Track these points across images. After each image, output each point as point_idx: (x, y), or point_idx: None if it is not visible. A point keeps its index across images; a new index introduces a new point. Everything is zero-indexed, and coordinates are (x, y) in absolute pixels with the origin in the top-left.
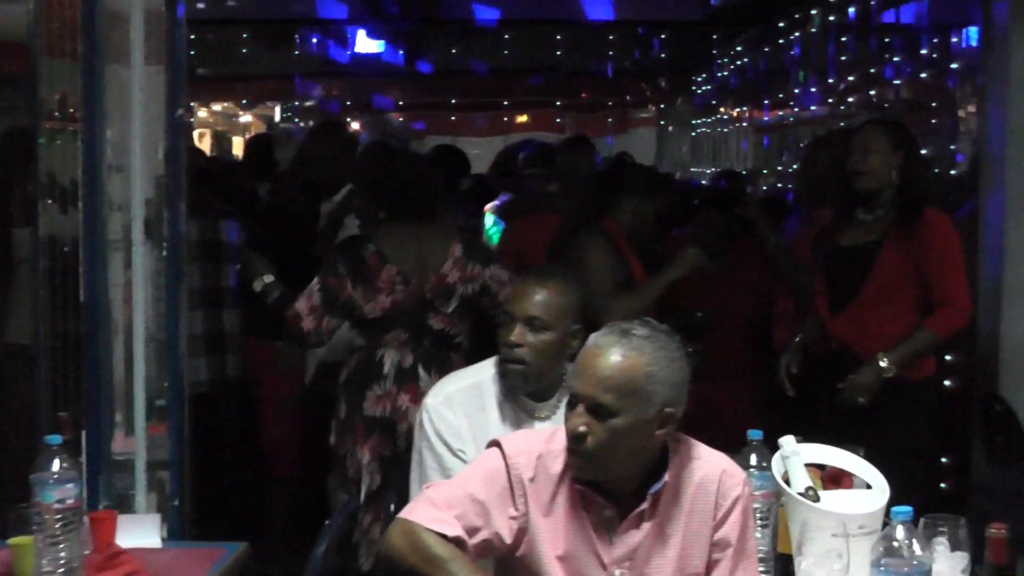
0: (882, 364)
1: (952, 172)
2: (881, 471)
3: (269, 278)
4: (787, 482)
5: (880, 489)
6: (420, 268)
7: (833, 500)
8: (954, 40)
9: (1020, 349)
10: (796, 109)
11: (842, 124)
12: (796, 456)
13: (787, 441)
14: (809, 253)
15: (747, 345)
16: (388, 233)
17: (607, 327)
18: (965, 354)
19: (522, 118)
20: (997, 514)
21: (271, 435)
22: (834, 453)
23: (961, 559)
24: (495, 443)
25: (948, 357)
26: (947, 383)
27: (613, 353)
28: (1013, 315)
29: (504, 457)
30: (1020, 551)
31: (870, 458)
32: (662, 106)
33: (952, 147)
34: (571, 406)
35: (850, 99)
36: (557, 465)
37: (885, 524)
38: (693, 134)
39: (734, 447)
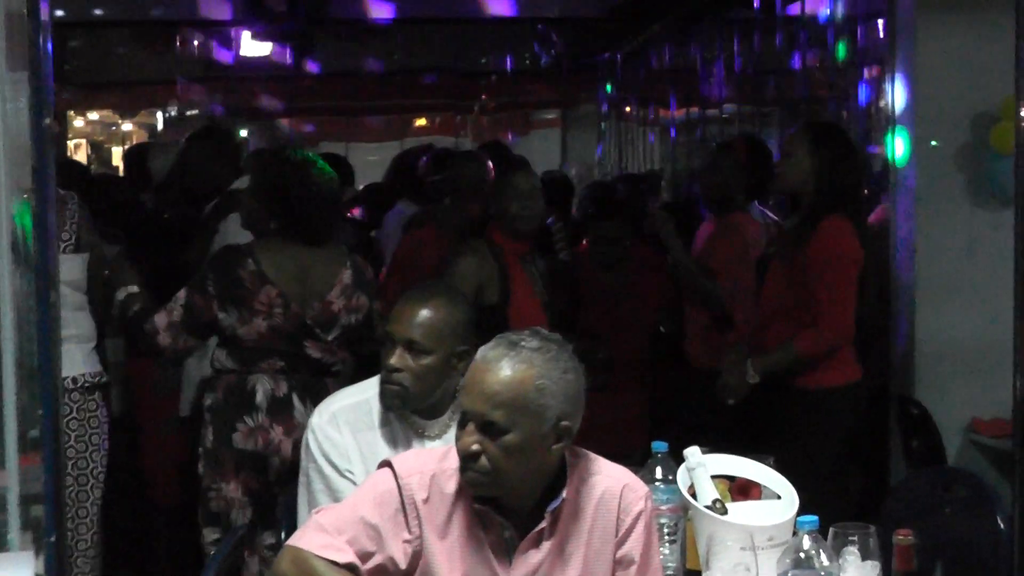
0: (748, 370)
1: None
2: (796, 480)
3: (133, 288)
4: (694, 495)
5: (789, 499)
6: (303, 292)
7: (741, 512)
8: (863, 31)
9: (935, 351)
10: (705, 106)
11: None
12: (702, 468)
13: (692, 452)
14: (717, 260)
15: (649, 356)
16: (271, 250)
17: (496, 339)
18: (879, 357)
19: (420, 121)
20: (910, 520)
21: (154, 461)
22: (742, 463)
23: (872, 568)
24: (386, 463)
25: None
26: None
27: (502, 367)
28: (927, 316)
29: (396, 478)
30: (934, 557)
31: (785, 467)
32: (566, 106)
33: (872, 149)
34: (462, 424)
35: (759, 95)
36: (451, 485)
37: (795, 535)
38: (599, 135)
39: (637, 460)
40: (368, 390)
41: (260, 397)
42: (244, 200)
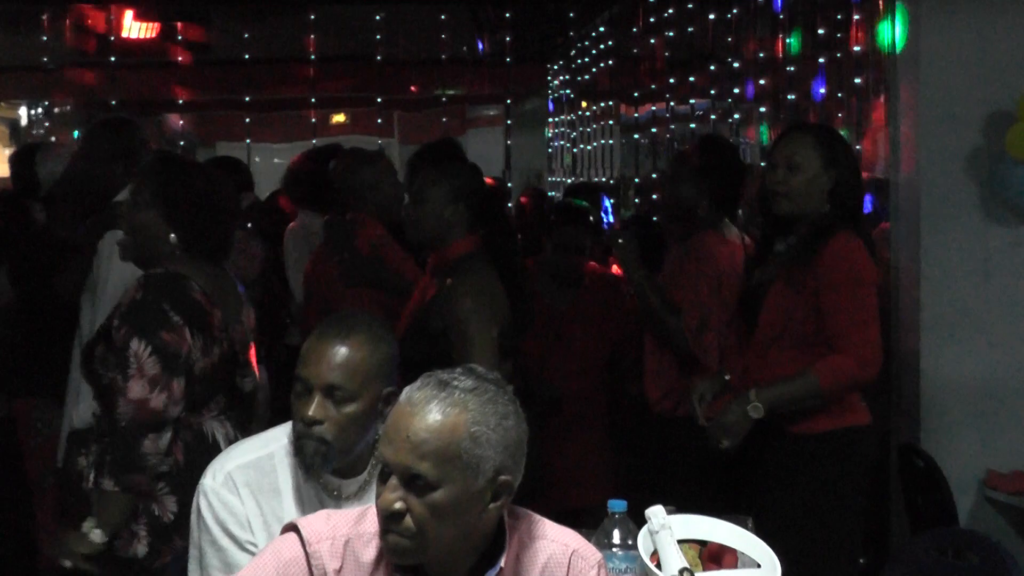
0: (751, 404)
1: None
2: (780, 545)
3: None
4: (657, 564)
5: (770, 568)
6: (227, 315)
7: None
8: (857, 18)
9: (943, 393)
10: (672, 103)
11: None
12: (667, 531)
13: (655, 513)
14: (681, 290)
15: (605, 395)
16: (196, 267)
17: (423, 378)
18: (879, 399)
19: (338, 118)
20: None
21: (47, 518)
22: (714, 526)
23: None
24: (291, 527)
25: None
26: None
27: (430, 411)
28: (933, 351)
29: (303, 544)
30: None
31: (768, 528)
32: (510, 102)
33: (857, 147)
34: (383, 479)
35: (735, 90)
36: (369, 551)
37: None
38: (548, 135)
39: (587, 520)
40: (271, 444)
41: (224, 446)
42: (130, 212)
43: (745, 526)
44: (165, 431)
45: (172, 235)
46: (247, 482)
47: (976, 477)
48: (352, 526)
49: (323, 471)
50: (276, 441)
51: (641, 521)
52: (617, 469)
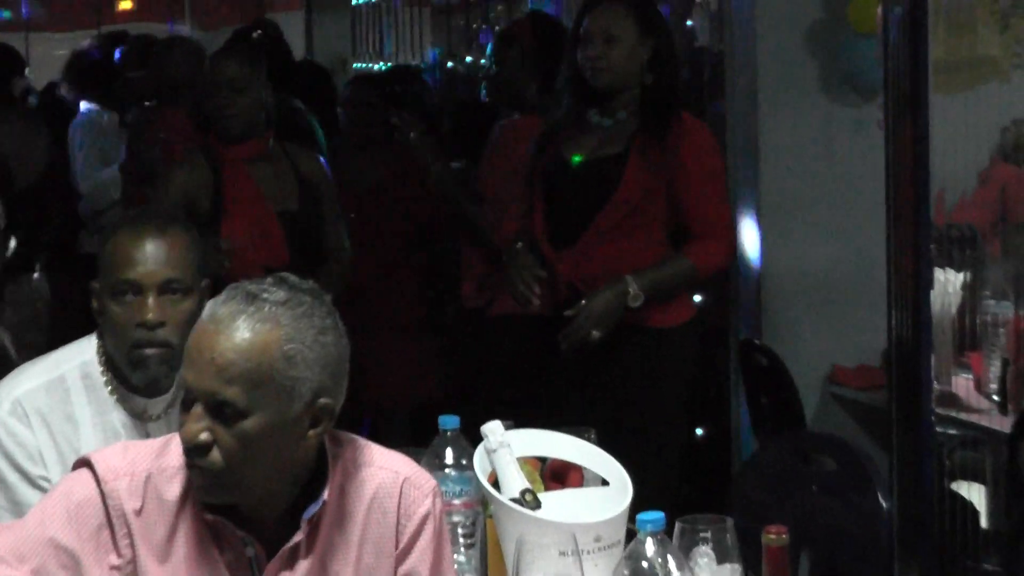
0: (630, 292)
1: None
2: (621, 456)
3: None
4: (496, 485)
5: (620, 485)
6: None
7: (559, 505)
8: None
9: (784, 285)
10: None
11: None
12: (505, 449)
13: (492, 429)
14: (504, 177)
15: (408, 287)
16: None
17: (228, 290)
18: (716, 293)
19: (125, 4)
20: (768, 504)
21: None
22: (555, 440)
23: (732, 572)
24: (83, 462)
25: (697, 298)
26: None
27: (237, 328)
28: (773, 241)
29: (97, 482)
30: (798, 546)
31: (609, 439)
32: None
33: (688, 23)
34: (186, 406)
35: None
36: (174, 488)
37: (630, 533)
38: (354, 18)
39: (410, 438)
40: (61, 365)
41: (14, 355)
42: None
43: (588, 438)
44: None
45: None
46: (37, 409)
47: (821, 373)
48: (153, 460)
49: (167, 385)
50: (67, 362)
51: (477, 438)
52: (438, 373)
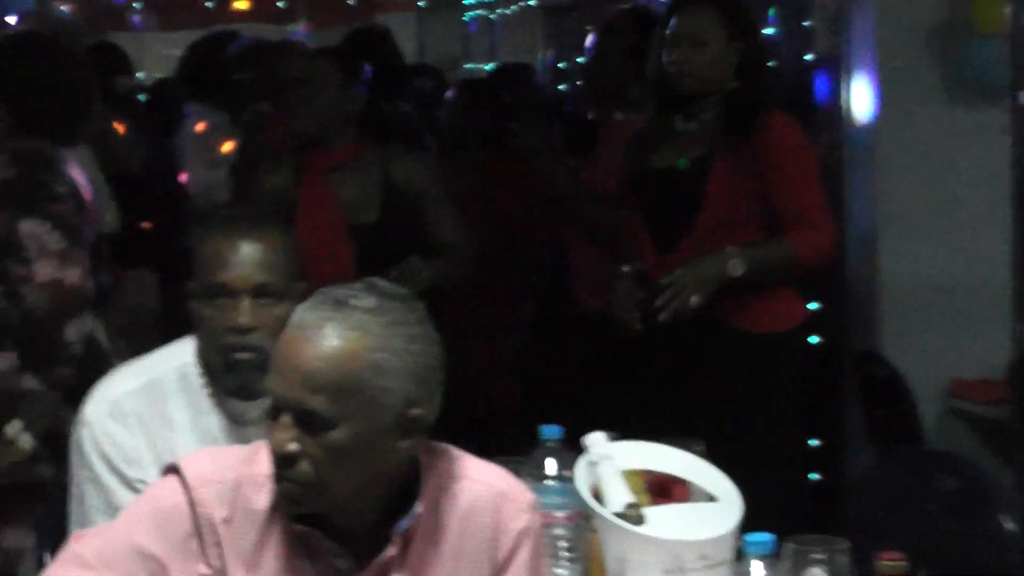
0: (731, 259)
1: (807, 56)
2: (729, 469)
3: None
4: (599, 498)
5: (729, 502)
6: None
7: (663, 520)
8: None
9: (904, 295)
10: None
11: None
12: (609, 461)
13: (596, 440)
14: (607, 178)
15: (509, 294)
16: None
17: (316, 296)
18: (832, 303)
19: (238, 4)
20: (883, 524)
21: None
22: (662, 453)
23: None
24: (172, 468)
25: (813, 306)
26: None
27: (324, 336)
28: (892, 249)
29: (186, 489)
30: (915, 568)
31: (710, 451)
32: None
33: (806, 23)
34: (273, 415)
35: None
36: (263, 497)
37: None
38: (465, 19)
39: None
40: (158, 365)
41: (107, 347)
42: None
43: (697, 452)
44: (85, 313)
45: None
46: (135, 410)
47: (940, 387)
48: (242, 467)
49: (261, 390)
50: (165, 363)
51: (578, 448)
52: (535, 379)
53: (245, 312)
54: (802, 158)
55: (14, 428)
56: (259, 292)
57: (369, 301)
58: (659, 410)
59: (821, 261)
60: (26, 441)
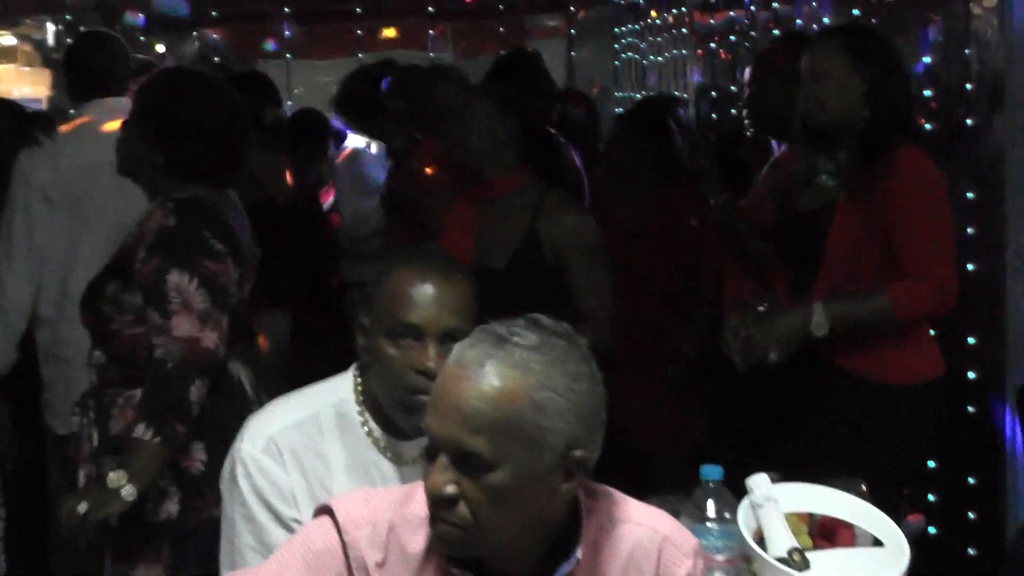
0: (815, 318)
1: (968, 86)
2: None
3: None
4: (761, 542)
5: (895, 547)
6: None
7: (828, 565)
8: None
9: None
10: (752, 8)
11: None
12: (772, 503)
13: (759, 482)
14: (760, 213)
15: (663, 329)
16: (206, 191)
17: (476, 332)
18: (990, 335)
19: (388, 32)
20: None
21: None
22: (825, 495)
23: None
24: (324, 509)
25: (972, 340)
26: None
27: (485, 375)
28: None
29: (338, 531)
30: None
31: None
32: (572, 9)
33: (967, 52)
34: (430, 456)
35: None
36: (418, 540)
37: None
38: (616, 46)
39: (664, 483)
40: (315, 401)
41: (250, 392)
42: (121, 130)
43: (859, 492)
44: (210, 376)
45: (159, 156)
46: (292, 447)
47: None
48: (397, 509)
49: (399, 433)
50: (321, 399)
51: (740, 489)
52: (695, 417)
53: (433, 356)
54: (921, 200)
55: (118, 477)
56: (447, 336)
57: (531, 338)
58: (769, 451)
59: (920, 314)
60: (129, 492)
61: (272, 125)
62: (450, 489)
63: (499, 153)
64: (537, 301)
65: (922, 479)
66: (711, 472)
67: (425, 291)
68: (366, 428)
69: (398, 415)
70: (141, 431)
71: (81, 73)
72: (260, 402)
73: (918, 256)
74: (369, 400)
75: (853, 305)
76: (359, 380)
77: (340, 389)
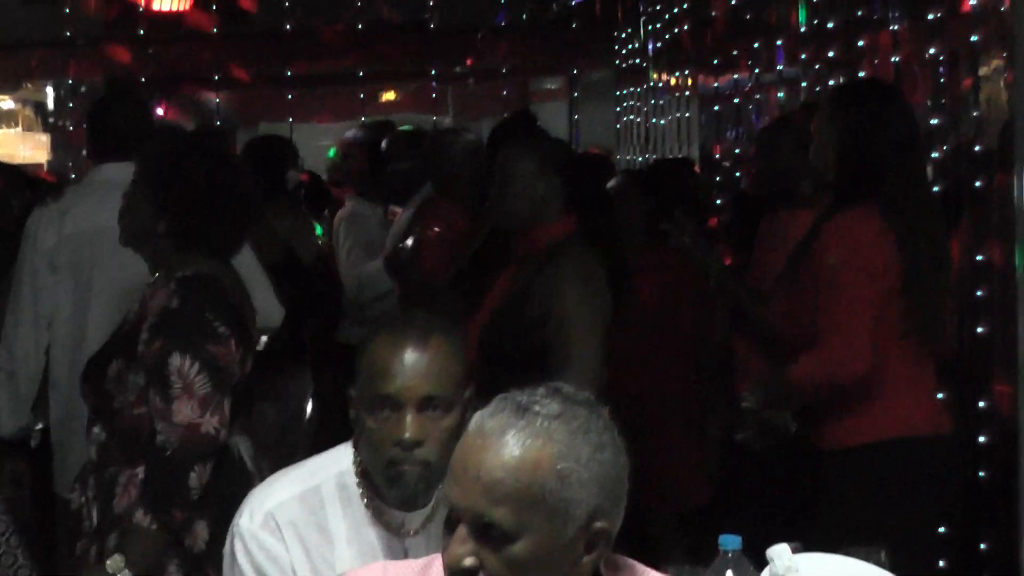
0: (743, 404)
1: (977, 148)
2: None
3: None
4: None
5: None
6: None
7: None
8: None
9: None
10: (757, 70)
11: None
12: (794, 574)
13: (779, 553)
14: (767, 275)
15: (686, 397)
16: (213, 264)
17: (497, 401)
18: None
19: (388, 95)
20: None
21: None
22: (847, 565)
23: None
24: None
25: (982, 404)
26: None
27: (505, 444)
28: None
29: None
30: None
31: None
32: (575, 72)
33: (975, 113)
34: (449, 527)
35: (830, 54)
36: None
37: None
38: (618, 109)
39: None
40: (316, 475)
41: (250, 466)
42: (126, 195)
43: (878, 561)
44: (211, 460)
45: (162, 224)
46: (292, 522)
47: None
48: None
49: (424, 502)
50: (322, 471)
51: (761, 560)
52: (709, 477)
53: (410, 426)
54: (837, 270)
55: (116, 563)
56: (425, 404)
57: (553, 407)
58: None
59: (821, 384)
60: None
61: (293, 189)
62: (469, 561)
63: (536, 212)
64: (515, 363)
65: (935, 544)
66: (730, 542)
67: (398, 358)
68: (366, 500)
69: (384, 487)
70: (140, 517)
71: (100, 133)
72: (262, 474)
73: (820, 320)
74: (366, 472)
75: (769, 379)
76: (356, 451)
77: (341, 460)
